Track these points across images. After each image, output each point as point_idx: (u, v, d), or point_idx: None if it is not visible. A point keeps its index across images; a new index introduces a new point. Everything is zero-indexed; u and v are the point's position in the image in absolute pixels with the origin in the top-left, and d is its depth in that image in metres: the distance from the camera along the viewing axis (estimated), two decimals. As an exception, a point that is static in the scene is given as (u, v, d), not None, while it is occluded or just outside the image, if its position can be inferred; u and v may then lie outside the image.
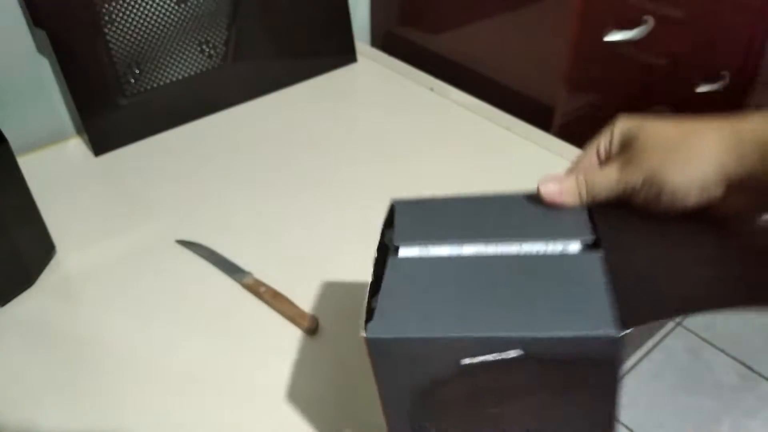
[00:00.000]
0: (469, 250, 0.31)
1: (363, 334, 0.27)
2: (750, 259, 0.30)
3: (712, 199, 0.30)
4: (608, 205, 0.32)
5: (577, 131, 0.80)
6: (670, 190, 0.30)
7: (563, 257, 0.30)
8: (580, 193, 0.32)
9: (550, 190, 0.33)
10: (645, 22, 0.78)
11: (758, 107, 1.06)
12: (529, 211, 0.33)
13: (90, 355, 0.47)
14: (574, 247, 0.30)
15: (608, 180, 0.31)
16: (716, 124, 0.30)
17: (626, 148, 0.32)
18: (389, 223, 0.34)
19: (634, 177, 0.30)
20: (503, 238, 0.31)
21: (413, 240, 0.32)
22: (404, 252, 0.32)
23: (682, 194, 0.29)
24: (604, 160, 0.33)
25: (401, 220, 0.34)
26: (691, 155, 0.29)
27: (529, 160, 0.67)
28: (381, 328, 0.28)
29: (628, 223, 0.31)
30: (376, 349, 0.28)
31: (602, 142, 0.34)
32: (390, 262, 0.31)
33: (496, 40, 0.81)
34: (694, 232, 0.31)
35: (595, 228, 0.31)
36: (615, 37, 0.76)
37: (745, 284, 0.29)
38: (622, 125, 0.33)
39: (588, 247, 0.30)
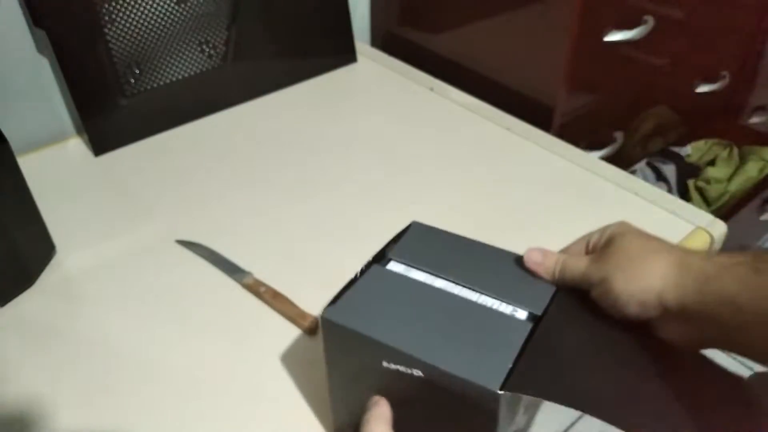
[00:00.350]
0: (440, 283, 0.36)
1: (322, 313, 0.34)
2: (684, 398, 0.30)
3: (652, 318, 0.32)
4: (577, 292, 0.35)
5: (576, 131, 0.80)
6: (613, 296, 0.32)
7: (504, 317, 0.34)
8: (554, 271, 0.36)
9: (533, 258, 0.37)
10: (645, 22, 0.79)
11: (758, 107, 1.06)
12: (511, 272, 0.37)
13: (90, 355, 0.47)
14: (521, 314, 0.34)
15: (578, 269, 0.35)
16: (673, 251, 0.32)
17: (605, 247, 0.35)
18: (399, 237, 0.40)
19: (595, 274, 0.33)
20: (472, 285, 0.36)
21: (404, 258, 0.38)
22: (392, 265, 0.37)
23: (622, 303, 0.32)
24: (590, 252, 0.37)
25: (408, 239, 0.39)
26: (639, 272, 0.32)
27: (529, 159, 0.67)
28: (336, 314, 0.34)
29: (582, 312, 0.34)
30: (327, 329, 0.34)
31: (595, 236, 0.37)
32: (374, 268, 0.37)
33: (496, 40, 0.81)
34: (638, 344, 0.33)
35: (549, 305, 0.34)
36: (615, 37, 0.76)
37: (653, 413, 0.30)
38: (615, 228, 0.35)
39: (532, 317, 0.34)
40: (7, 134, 0.49)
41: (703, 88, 1.03)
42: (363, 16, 0.96)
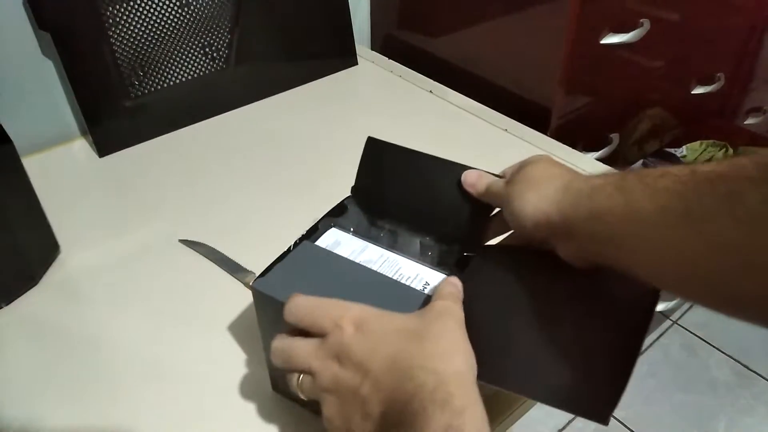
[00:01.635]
0: (365, 255, 0.41)
1: (252, 283, 0.37)
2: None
3: (548, 238, 0.35)
4: (491, 255, 0.39)
5: (573, 133, 0.81)
6: (514, 215, 0.36)
7: (409, 291, 0.38)
8: (482, 191, 0.40)
9: (468, 180, 0.41)
10: (641, 25, 0.79)
11: (752, 109, 1.07)
12: (445, 217, 0.42)
13: (94, 354, 0.47)
14: (435, 279, 0.39)
15: (497, 189, 0.38)
16: (565, 176, 0.35)
17: (516, 172, 0.38)
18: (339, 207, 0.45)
19: (503, 195, 0.37)
20: (398, 250, 0.41)
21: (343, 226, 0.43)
22: (323, 239, 0.42)
23: (520, 221, 0.36)
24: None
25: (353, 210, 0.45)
26: (533, 195, 0.35)
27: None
28: (262, 285, 0.37)
29: (493, 275, 0.38)
30: (256, 298, 0.38)
31: (516, 165, 0.40)
32: (304, 243, 0.41)
33: (494, 43, 0.82)
34: (542, 297, 0.36)
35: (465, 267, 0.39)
36: (611, 39, 0.77)
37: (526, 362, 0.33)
38: (533, 156, 0.39)
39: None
40: (12, 135, 0.50)
41: (698, 90, 1.04)
42: (363, 20, 0.97)
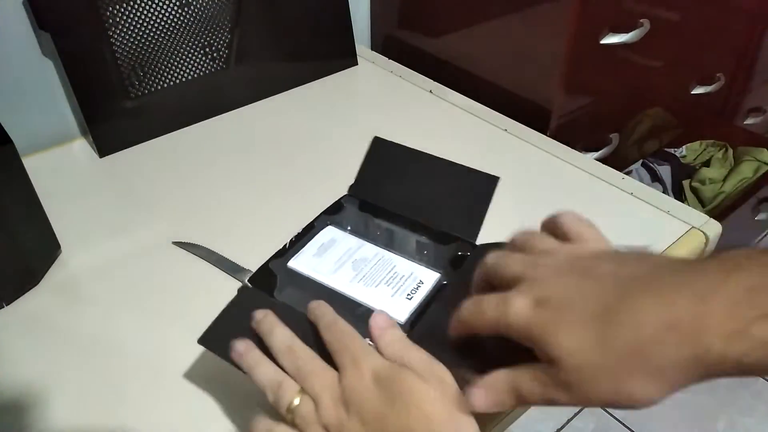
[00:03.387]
0: (365, 250, 0.42)
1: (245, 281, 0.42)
2: None
3: None
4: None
5: (573, 133, 0.81)
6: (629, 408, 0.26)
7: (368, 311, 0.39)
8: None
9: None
10: (641, 25, 0.80)
11: (752, 109, 1.07)
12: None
13: (94, 354, 0.48)
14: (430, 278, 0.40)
15: (549, 394, 0.26)
16: (678, 334, 0.23)
17: (548, 362, 0.27)
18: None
19: (592, 403, 0.25)
20: (397, 251, 0.43)
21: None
22: (318, 237, 0.45)
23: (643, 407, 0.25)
24: None
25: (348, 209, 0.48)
26: (639, 385, 0.24)
27: (526, 161, 0.68)
28: (206, 341, 0.39)
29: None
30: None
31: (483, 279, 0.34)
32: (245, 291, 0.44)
33: (494, 43, 0.82)
34: None
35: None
36: (611, 39, 0.77)
37: None
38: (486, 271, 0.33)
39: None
40: (12, 135, 0.50)
41: (698, 90, 1.04)
42: (363, 20, 0.97)
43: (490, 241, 0.43)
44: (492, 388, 0.28)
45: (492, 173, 0.66)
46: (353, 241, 0.42)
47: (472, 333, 0.30)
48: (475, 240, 0.41)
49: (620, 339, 0.23)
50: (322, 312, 0.32)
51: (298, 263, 0.42)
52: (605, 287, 0.24)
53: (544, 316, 0.25)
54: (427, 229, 0.42)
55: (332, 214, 0.44)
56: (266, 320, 0.35)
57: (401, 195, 0.44)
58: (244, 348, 0.35)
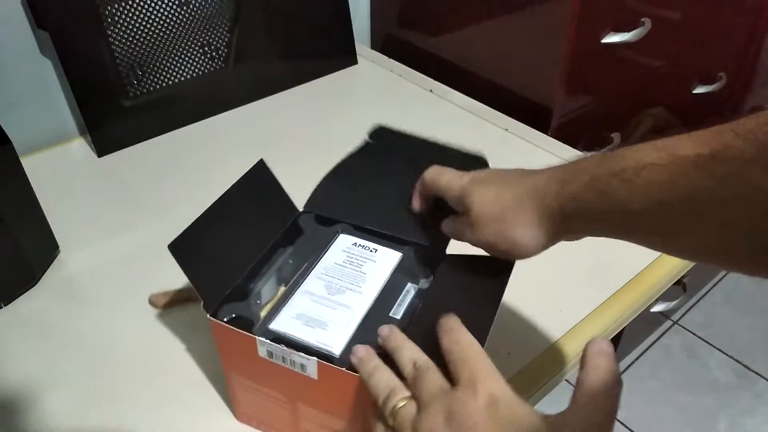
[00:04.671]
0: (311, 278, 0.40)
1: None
2: None
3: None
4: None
5: (574, 132, 0.81)
6: (513, 254, 0.36)
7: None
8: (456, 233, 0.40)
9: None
10: (642, 24, 0.79)
11: (755, 108, 1.06)
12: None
13: (93, 354, 0.48)
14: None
15: (461, 231, 0.38)
16: (524, 201, 0.35)
17: (465, 212, 0.37)
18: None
19: (482, 241, 0.36)
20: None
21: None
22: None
23: (524, 254, 0.35)
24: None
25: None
26: (517, 231, 0.34)
27: (527, 160, 0.67)
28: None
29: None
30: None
31: (451, 193, 0.39)
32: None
33: (495, 42, 0.82)
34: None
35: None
36: (612, 39, 0.77)
37: None
38: (464, 191, 0.38)
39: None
40: (10, 135, 0.50)
41: (700, 89, 1.03)
42: (363, 19, 0.97)
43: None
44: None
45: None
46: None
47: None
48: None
49: (506, 197, 0.36)
50: (446, 319, 0.32)
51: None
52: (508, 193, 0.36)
53: (468, 181, 0.38)
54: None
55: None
56: (394, 336, 0.34)
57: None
58: (364, 353, 0.33)
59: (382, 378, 0.32)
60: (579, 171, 0.33)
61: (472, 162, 0.43)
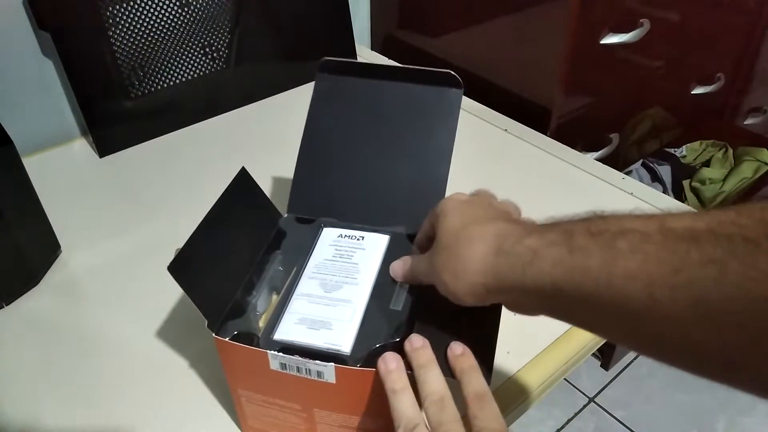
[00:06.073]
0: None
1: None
2: None
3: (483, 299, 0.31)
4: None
5: (573, 133, 0.81)
6: (450, 295, 0.32)
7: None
8: (408, 276, 0.37)
9: (393, 270, 0.38)
10: (641, 25, 0.80)
11: (752, 109, 1.07)
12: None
13: (94, 354, 0.48)
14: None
15: (421, 270, 0.35)
16: (487, 235, 0.31)
17: (434, 239, 0.34)
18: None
19: (431, 275, 0.33)
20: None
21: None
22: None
23: (459, 299, 0.31)
24: (423, 244, 0.38)
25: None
26: (461, 268, 0.31)
27: (526, 161, 0.68)
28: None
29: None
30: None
31: (425, 224, 0.38)
32: None
33: (494, 43, 0.82)
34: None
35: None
36: (611, 39, 0.77)
37: None
38: (438, 213, 0.35)
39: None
40: (12, 135, 0.50)
41: (698, 90, 1.04)
42: (363, 20, 0.97)
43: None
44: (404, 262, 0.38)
45: (492, 173, 0.66)
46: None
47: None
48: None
49: (455, 250, 0.31)
50: (468, 362, 0.32)
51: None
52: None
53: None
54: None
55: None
56: (425, 353, 0.32)
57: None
58: (396, 366, 0.32)
59: (407, 405, 0.31)
60: (556, 224, 0.29)
61: (441, 82, 0.42)
